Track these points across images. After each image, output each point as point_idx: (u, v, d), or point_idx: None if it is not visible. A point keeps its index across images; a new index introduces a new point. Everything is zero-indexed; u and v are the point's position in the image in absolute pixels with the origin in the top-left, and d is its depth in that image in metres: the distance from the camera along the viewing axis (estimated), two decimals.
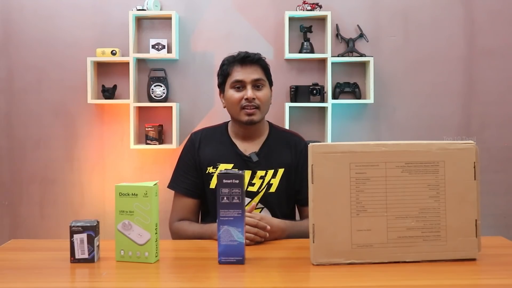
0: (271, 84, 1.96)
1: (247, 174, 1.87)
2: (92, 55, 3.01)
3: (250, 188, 1.87)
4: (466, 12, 3.11)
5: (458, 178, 1.39)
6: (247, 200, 1.86)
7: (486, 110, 3.12)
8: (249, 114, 1.86)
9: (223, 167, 1.88)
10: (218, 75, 1.95)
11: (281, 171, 1.90)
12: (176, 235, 1.88)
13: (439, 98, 3.12)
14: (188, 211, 1.92)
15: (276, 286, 1.28)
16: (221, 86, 1.94)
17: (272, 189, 1.88)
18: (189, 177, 1.92)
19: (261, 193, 1.88)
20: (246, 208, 1.69)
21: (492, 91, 3.12)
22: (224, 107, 1.94)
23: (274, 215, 1.87)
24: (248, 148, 1.92)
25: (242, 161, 1.89)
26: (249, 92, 1.85)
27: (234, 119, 1.92)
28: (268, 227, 1.62)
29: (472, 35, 3.12)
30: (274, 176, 1.89)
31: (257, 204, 1.88)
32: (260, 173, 1.88)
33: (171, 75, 3.10)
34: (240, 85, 1.87)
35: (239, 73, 1.87)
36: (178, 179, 1.94)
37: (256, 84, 1.87)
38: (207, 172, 1.90)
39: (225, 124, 2.00)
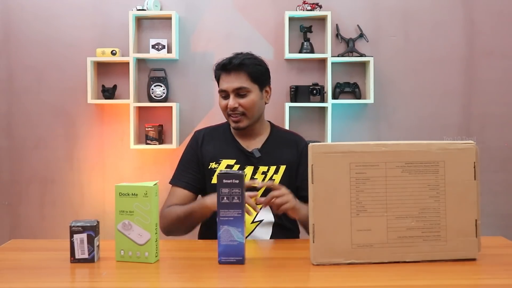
0: (263, 85, 1.92)
1: (249, 169, 1.89)
2: (92, 55, 3.01)
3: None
4: (466, 12, 3.11)
5: (458, 178, 1.39)
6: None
7: (486, 110, 3.12)
8: (235, 122, 1.89)
9: (225, 162, 1.90)
10: None
11: (283, 168, 1.91)
12: (165, 219, 1.83)
13: (439, 98, 3.12)
14: (183, 201, 1.88)
15: (276, 286, 1.27)
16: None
17: None
18: (190, 171, 1.93)
19: (263, 189, 1.88)
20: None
21: (492, 91, 3.12)
22: None
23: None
24: (250, 145, 1.94)
25: (245, 157, 1.91)
26: (230, 102, 1.86)
27: None
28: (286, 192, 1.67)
29: (472, 36, 3.12)
30: (276, 172, 1.90)
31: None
32: (263, 168, 1.90)
33: (171, 75, 3.10)
34: (224, 94, 1.89)
35: (223, 82, 1.89)
36: (179, 174, 1.95)
37: (239, 93, 1.87)
38: (209, 167, 1.91)
39: (227, 123, 2.01)
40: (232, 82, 1.87)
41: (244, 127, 1.89)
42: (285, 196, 1.67)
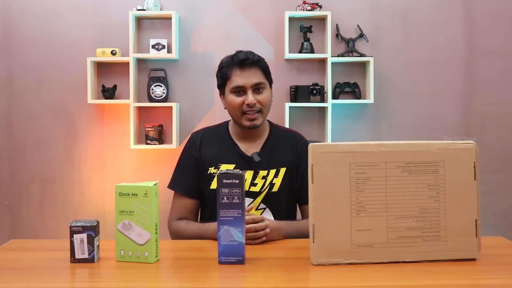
0: (271, 83, 1.94)
1: (249, 174, 1.87)
2: (92, 55, 3.01)
3: (253, 188, 1.87)
4: (466, 12, 3.11)
5: (458, 178, 1.39)
6: (249, 200, 1.86)
7: (486, 110, 3.12)
8: (251, 119, 1.84)
9: (224, 167, 1.87)
10: (217, 77, 1.92)
11: (283, 170, 1.90)
12: (175, 234, 1.87)
13: (439, 98, 3.12)
14: (187, 210, 1.91)
15: (276, 286, 1.28)
16: (221, 88, 1.92)
17: (275, 189, 1.88)
18: (189, 177, 1.91)
19: (264, 193, 1.87)
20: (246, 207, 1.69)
21: (492, 91, 3.12)
22: (225, 108, 1.94)
23: (276, 214, 1.87)
24: (250, 148, 1.92)
25: (244, 161, 1.89)
26: (250, 98, 1.82)
27: (236, 123, 1.92)
28: (267, 222, 1.62)
29: (472, 35, 3.12)
30: (276, 175, 1.89)
31: (259, 204, 1.88)
32: (262, 173, 1.88)
33: (171, 75, 3.10)
34: (240, 90, 1.85)
35: (239, 78, 1.84)
36: (178, 179, 1.93)
37: (257, 88, 1.85)
38: (208, 172, 1.89)
39: (226, 124, 1.99)
40: (250, 77, 1.84)
41: (260, 124, 1.86)
42: (259, 232, 1.61)
